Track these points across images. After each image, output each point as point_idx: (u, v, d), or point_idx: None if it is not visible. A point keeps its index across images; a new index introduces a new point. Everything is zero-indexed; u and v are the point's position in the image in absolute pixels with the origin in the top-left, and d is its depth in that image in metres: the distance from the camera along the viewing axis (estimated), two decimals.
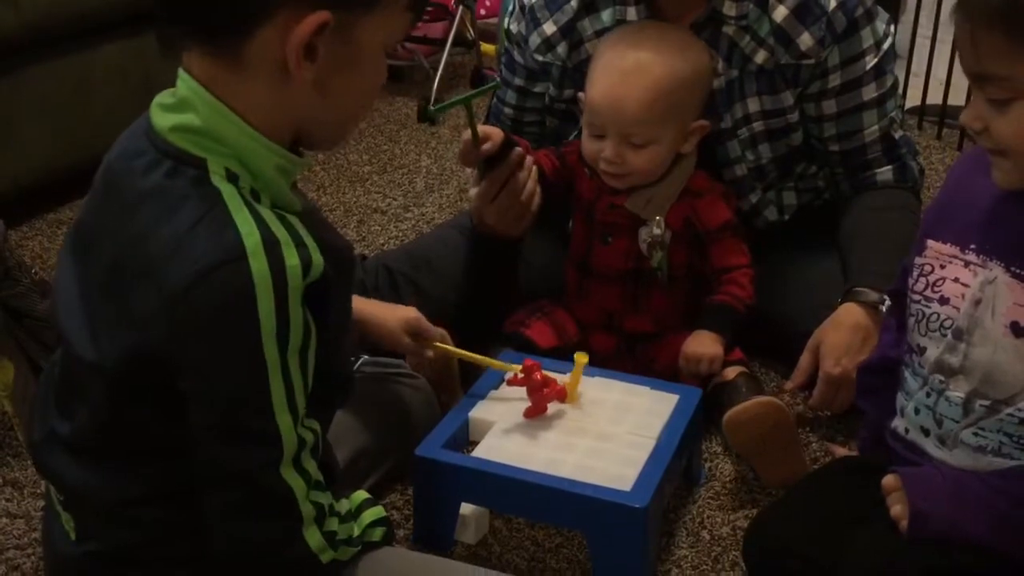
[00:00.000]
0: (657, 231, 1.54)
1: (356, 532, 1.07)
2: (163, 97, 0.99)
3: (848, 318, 1.51)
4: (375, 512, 1.11)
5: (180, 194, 0.94)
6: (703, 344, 1.51)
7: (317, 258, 0.94)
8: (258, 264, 0.90)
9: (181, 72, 0.97)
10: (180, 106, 0.96)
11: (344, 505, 1.07)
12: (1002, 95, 1.00)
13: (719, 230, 1.56)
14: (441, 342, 1.45)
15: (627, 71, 1.48)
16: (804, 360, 1.52)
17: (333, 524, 1.02)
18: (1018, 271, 1.07)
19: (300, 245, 0.93)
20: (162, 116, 0.97)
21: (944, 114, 2.74)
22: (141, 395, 0.97)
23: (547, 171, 1.61)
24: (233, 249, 0.90)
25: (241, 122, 0.95)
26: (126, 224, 0.96)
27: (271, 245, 0.91)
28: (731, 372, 1.51)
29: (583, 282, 1.62)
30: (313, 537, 0.99)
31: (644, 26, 1.55)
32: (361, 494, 1.13)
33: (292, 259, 0.92)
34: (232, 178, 0.95)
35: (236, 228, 0.91)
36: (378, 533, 1.10)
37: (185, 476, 0.99)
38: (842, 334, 1.50)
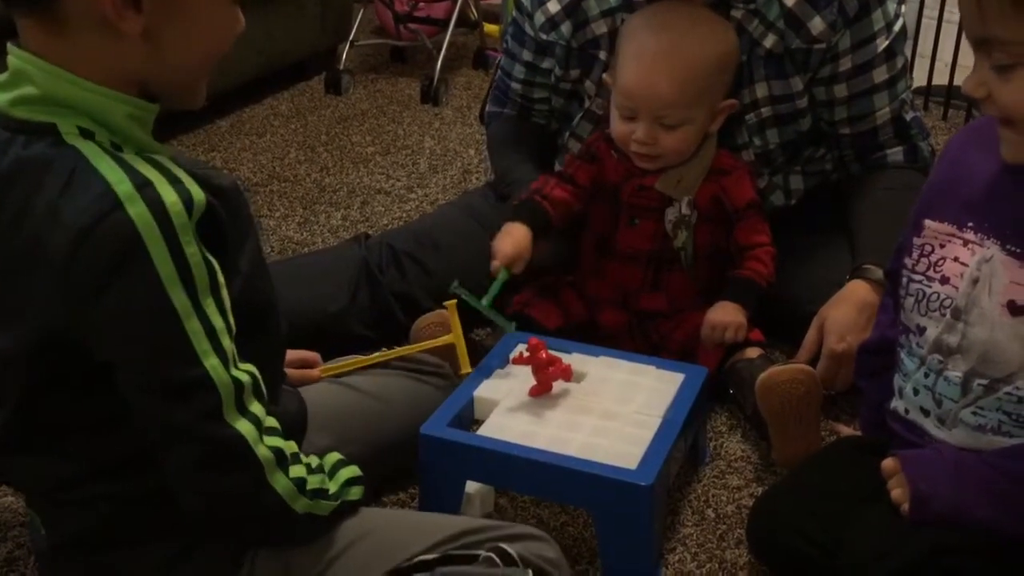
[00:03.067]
0: (685, 211, 1.54)
1: (332, 488, 1.06)
2: None
3: (854, 295, 1.51)
4: (351, 471, 1.10)
5: (41, 163, 0.91)
6: (727, 313, 1.51)
7: (196, 191, 0.91)
8: (136, 209, 0.88)
9: (10, 47, 0.95)
10: (14, 80, 0.94)
11: (314, 460, 1.05)
12: (1006, 60, 0.99)
13: (746, 208, 1.57)
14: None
15: (659, 54, 1.49)
16: (809, 336, 1.52)
17: (300, 471, 1.00)
18: (1014, 249, 1.06)
19: (175, 181, 0.90)
20: (0, 95, 0.95)
21: (950, 95, 2.73)
22: (59, 377, 0.96)
23: (572, 204, 1.59)
24: (107, 201, 0.88)
25: (80, 80, 0.92)
26: None
27: (144, 187, 0.88)
28: (752, 352, 1.52)
29: (601, 261, 1.62)
30: (279, 482, 0.97)
31: (672, 7, 1.54)
32: (334, 455, 1.12)
33: (170, 196, 0.89)
34: (87, 135, 0.93)
35: (104, 179, 0.89)
36: (356, 492, 1.09)
37: (120, 448, 0.98)
38: (847, 310, 1.49)
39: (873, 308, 1.47)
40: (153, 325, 0.91)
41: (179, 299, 0.90)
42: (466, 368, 1.42)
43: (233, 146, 2.59)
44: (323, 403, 1.24)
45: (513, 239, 1.51)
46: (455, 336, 1.45)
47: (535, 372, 1.33)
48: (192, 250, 0.90)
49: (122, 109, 0.94)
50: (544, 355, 1.33)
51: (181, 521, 1.00)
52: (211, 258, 0.93)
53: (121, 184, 0.88)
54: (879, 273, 1.50)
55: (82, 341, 0.93)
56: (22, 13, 0.93)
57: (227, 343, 0.94)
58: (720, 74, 1.52)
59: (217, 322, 0.93)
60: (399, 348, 1.47)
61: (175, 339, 0.91)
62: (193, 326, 0.91)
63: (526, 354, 1.34)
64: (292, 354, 1.35)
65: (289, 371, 1.33)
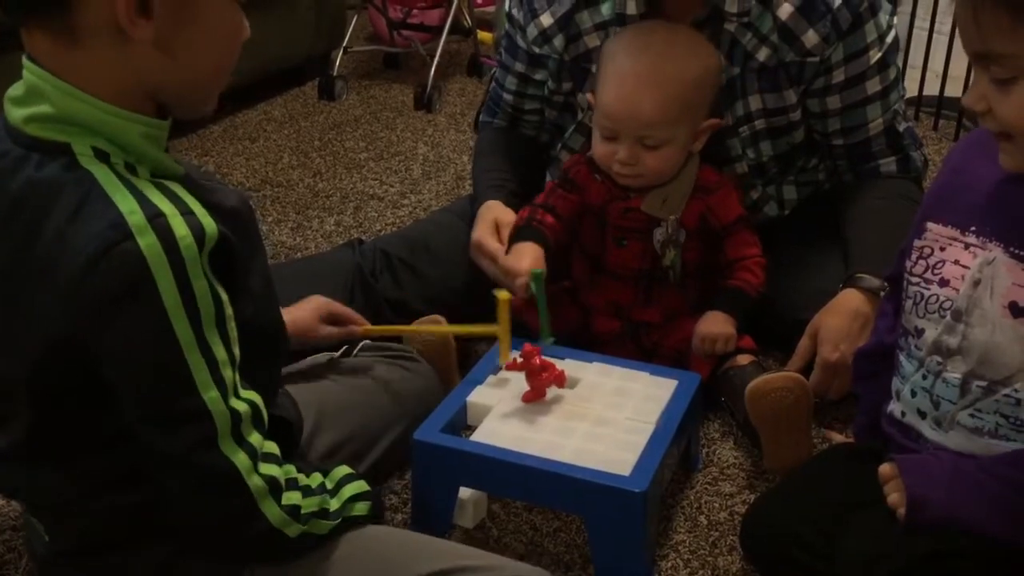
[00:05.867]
0: (672, 230, 1.55)
1: (334, 506, 1.06)
2: (13, 90, 0.96)
3: (848, 304, 1.51)
4: (357, 486, 1.10)
5: (54, 185, 0.91)
6: (717, 324, 1.52)
7: (208, 223, 0.91)
8: (147, 240, 0.88)
9: (25, 61, 0.95)
10: (30, 96, 0.94)
11: (316, 479, 1.06)
12: (1005, 74, 1.00)
13: (734, 223, 1.58)
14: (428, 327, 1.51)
15: (640, 75, 1.48)
16: (802, 345, 1.52)
17: (294, 497, 1.00)
18: (1017, 251, 1.07)
19: (187, 213, 0.90)
20: (15, 110, 0.95)
21: (941, 105, 2.75)
22: (65, 394, 0.96)
23: (559, 233, 1.58)
24: (118, 231, 0.88)
25: (93, 99, 0.92)
26: (8, 230, 0.94)
27: (156, 219, 0.88)
28: (743, 359, 1.52)
29: (594, 276, 1.62)
30: (271, 510, 0.98)
31: (653, 28, 1.54)
32: (342, 469, 1.12)
33: (181, 229, 0.89)
34: (102, 156, 0.92)
35: (116, 208, 0.88)
36: (361, 507, 1.09)
37: (129, 462, 0.98)
38: (841, 319, 1.50)
39: (866, 317, 1.48)
40: (155, 355, 0.91)
41: (183, 331, 0.90)
42: (505, 357, 1.41)
43: (226, 151, 2.59)
44: (302, 399, 1.24)
45: (530, 256, 1.51)
46: (502, 332, 1.43)
47: (528, 378, 1.33)
48: (200, 283, 0.90)
49: (136, 129, 0.94)
50: (538, 361, 1.33)
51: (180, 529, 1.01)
52: (220, 290, 0.93)
53: (133, 215, 0.88)
54: (873, 282, 1.50)
55: (87, 363, 0.93)
56: (34, 23, 0.92)
57: (228, 374, 0.94)
58: (701, 93, 1.51)
59: (220, 354, 0.93)
60: (452, 326, 1.52)
61: (176, 370, 0.91)
62: (195, 358, 0.91)
63: (520, 360, 1.34)
64: (335, 308, 1.42)
65: (330, 329, 1.41)
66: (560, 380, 1.35)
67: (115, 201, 0.89)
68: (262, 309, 1.01)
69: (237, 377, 0.96)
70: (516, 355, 1.36)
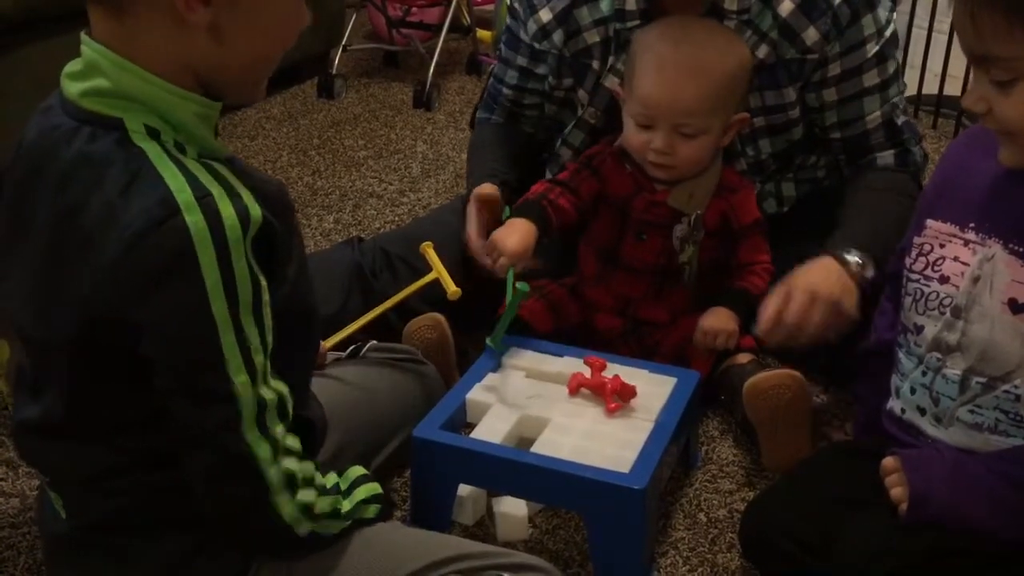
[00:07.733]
0: (692, 226, 1.55)
1: (346, 507, 1.06)
2: (71, 66, 0.98)
3: (820, 264, 1.43)
4: (369, 488, 1.10)
5: (105, 159, 0.93)
6: (720, 319, 1.51)
7: (254, 207, 0.92)
8: (194, 218, 0.89)
9: (84, 37, 0.96)
10: (87, 71, 0.95)
11: (331, 479, 1.06)
12: (1005, 76, 1.01)
13: (751, 226, 1.58)
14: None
15: (680, 63, 1.48)
16: (773, 298, 1.38)
17: (309, 496, 1.01)
18: (1016, 248, 1.08)
19: (234, 195, 0.91)
20: (72, 84, 0.96)
21: (940, 104, 2.75)
22: (102, 367, 0.97)
23: (571, 217, 1.57)
24: (166, 207, 0.89)
25: (150, 75, 0.94)
26: (57, 201, 0.95)
27: (204, 199, 0.90)
28: (743, 358, 1.52)
29: (605, 271, 1.61)
30: (284, 506, 0.98)
31: (688, 20, 1.54)
32: (357, 470, 1.12)
33: (228, 211, 0.90)
34: (153, 134, 0.94)
35: (166, 186, 0.90)
36: (372, 510, 1.10)
37: (159, 441, 0.99)
38: (815, 271, 1.41)
39: (840, 276, 1.39)
40: (191, 333, 0.92)
41: (220, 311, 0.91)
42: (452, 288, 1.53)
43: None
44: None
45: (519, 235, 1.50)
46: (437, 271, 1.57)
47: (597, 391, 1.33)
48: (241, 265, 0.91)
49: (190, 107, 0.96)
50: (603, 374, 1.34)
51: (199, 515, 1.01)
52: (260, 275, 0.94)
53: (182, 193, 0.90)
54: (853, 255, 1.42)
55: (124, 338, 0.93)
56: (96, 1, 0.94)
57: (260, 360, 0.95)
58: (735, 86, 1.52)
59: (253, 339, 0.94)
60: (388, 301, 1.56)
61: (209, 349, 0.92)
62: (228, 339, 0.92)
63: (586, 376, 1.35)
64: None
65: None
66: (627, 391, 1.33)
67: (165, 179, 0.90)
68: (297, 295, 1.01)
69: (268, 365, 0.97)
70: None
